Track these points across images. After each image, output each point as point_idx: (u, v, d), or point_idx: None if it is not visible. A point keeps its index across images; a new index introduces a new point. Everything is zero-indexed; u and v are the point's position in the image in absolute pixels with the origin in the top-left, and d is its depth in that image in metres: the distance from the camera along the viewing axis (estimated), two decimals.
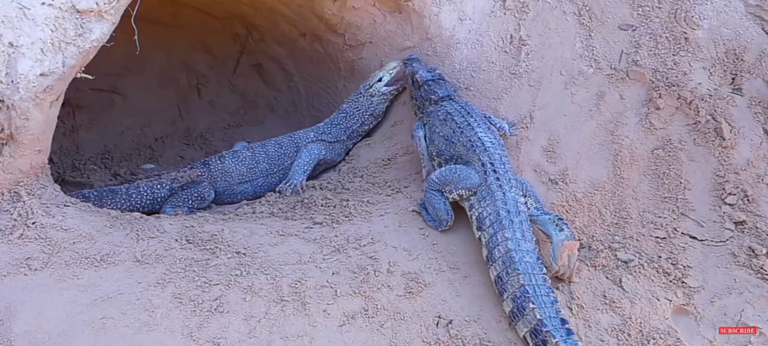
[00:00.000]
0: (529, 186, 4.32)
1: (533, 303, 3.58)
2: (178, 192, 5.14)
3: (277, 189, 5.20)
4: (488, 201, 4.05)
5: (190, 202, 5.11)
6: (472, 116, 4.61)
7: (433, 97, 4.93)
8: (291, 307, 3.68)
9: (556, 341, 3.46)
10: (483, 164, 4.23)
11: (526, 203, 4.13)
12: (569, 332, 3.53)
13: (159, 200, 5.16)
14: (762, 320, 3.90)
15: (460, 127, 4.52)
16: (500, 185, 4.11)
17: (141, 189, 5.15)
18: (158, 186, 5.17)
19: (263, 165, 5.37)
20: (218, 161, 5.33)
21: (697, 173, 4.60)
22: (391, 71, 5.50)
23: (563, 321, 3.57)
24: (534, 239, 3.94)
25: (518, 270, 3.70)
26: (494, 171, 4.18)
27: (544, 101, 5.03)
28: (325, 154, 5.44)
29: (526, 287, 3.64)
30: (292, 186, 5.13)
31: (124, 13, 4.33)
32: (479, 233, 4.03)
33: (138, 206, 5.08)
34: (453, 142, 4.49)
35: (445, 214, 4.24)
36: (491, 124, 4.69)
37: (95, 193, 5.04)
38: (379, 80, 5.50)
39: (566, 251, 3.98)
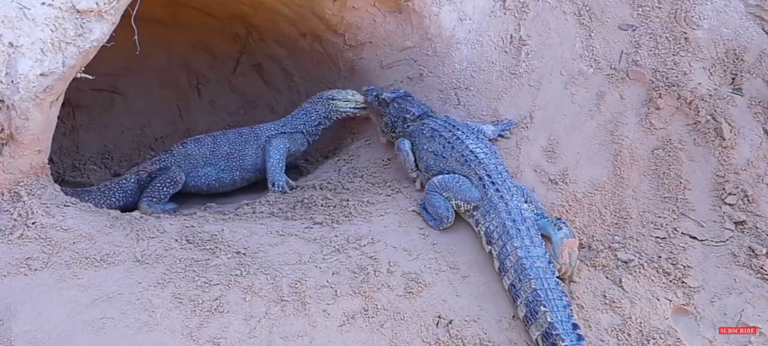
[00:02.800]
0: (527, 191, 4.35)
1: (545, 306, 3.62)
2: (150, 183, 5.33)
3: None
4: (492, 215, 4.08)
5: (164, 189, 5.29)
6: (459, 129, 4.64)
7: (407, 115, 5.00)
8: (291, 307, 3.68)
9: (566, 344, 3.50)
10: (480, 178, 4.27)
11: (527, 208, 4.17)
12: (580, 338, 3.55)
13: (130, 193, 5.34)
14: (762, 320, 3.90)
15: (449, 143, 4.55)
16: (501, 196, 4.13)
17: (110, 186, 5.33)
18: (124, 181, 5.37)
19: (224, 149, 5.57)
20: (181, 147, 5.58)
21: (697, 173, 4.60)
22: (360, 99, 5.64)
23: (575, 326, 3.60)
24: (542, 242, 3.96)
25: (530, 276, 3.74)
26: (492, 183, 4.21)
27: (544, 101, 5.03)
28: (289, 145, 5.60)
29: (538, 292, 3.68)
30: (279, 188, 5.27)
31: (124, 13, 4.33)
32: (489, 247, 4.06)
33: (112, 203, 5.23)
34: (444, 157, 4.52)
35: (446, 211, 4.26)
36: (478, 132, 4.73)
37: (70, 192, 5.06)
38: (346, 101, 5.69)
39: (566, 248, 4.00)
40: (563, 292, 3.74)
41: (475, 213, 4.21)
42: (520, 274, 3.78)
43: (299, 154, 5.82)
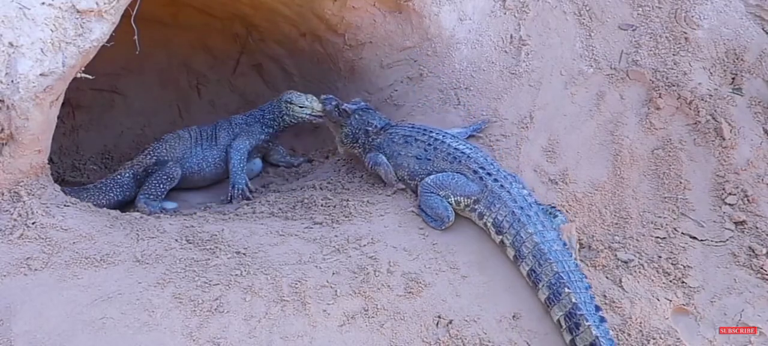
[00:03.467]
0: (520, 179, 4.38)
1: (569, 288, 3.72)
2: (146, 179, 5.37)
3: (228, 197, 5.42)
4: (498, 205, 4.11)
5: (160, 185, 5.33)
6: (433, 132, 4.67)
7: (370, 128, 5.01)
8: (291, 307, 3.68)
9: (589, 325, 3.58)
10: (475, 172, 4.29)
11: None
12: (602, 319, 3.64)
13: (127, 188, 5.40)
14: (762, 320, 3.90)
15: (430, 144, 4.56)
16: (501, 185, 4.17)
17: (106, 183, 5.37)
18: (119, 176, 5.41)
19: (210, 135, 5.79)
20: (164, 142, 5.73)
21: (697, 173, 4.61)
22: (316, 107, 5.66)
23: (597, 308, 3.69)
24: (553, 225, 4.04)
25: (550, 259, 3.83)
26: (489, 174, 4.25)
27: (544, 101, 5.03)
28: (249, 141, 5.72)
29: (561, 274, 3.77)
30: (238, 190, 5.40)
31: (124, 13, 4.33)
32: (500, 237, 4.08)
33: (110, 199, 5.28)
34: (429, 159, 4.52)
35: (445, 210, 4.25)
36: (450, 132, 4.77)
37: (67, 190, 5.07)
38: (302, 106, 5.70)
39: (565, 234, 4.08)
40: (583, 274, 3.83)
41: (477, 206, 4.21)
42: (540, 259, 3.86)
43: (262, 147, 5.87)
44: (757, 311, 3.95)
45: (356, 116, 5.11)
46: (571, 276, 3.77)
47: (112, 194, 5.32)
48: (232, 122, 5.87)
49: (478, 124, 4.98)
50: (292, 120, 5.76)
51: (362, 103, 5.25)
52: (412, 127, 4.83)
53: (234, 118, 5.93)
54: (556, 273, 3.78)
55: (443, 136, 4.60)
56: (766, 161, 4.59)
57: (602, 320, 3.63)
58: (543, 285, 3.83)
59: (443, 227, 4.26)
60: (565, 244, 3.95)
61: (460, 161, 4.39)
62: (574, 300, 3.66)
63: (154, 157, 5.54)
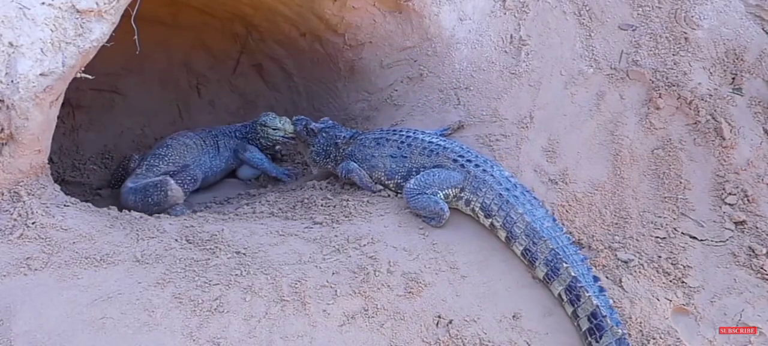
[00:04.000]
0: (497, 163, 4.52)
1: (566, 262, 3.84)
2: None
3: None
4: (484, 189, 4.19)
5: (186, 187, 5.37)
6: (403, 131, 4.74)
7: (339, 140, 5.07)
8: (291, 307, 3.68)
9: (589, 295, 3.72)
10: (455, 161, 4.36)
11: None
12: (602, 290, 3.79)
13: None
14: (762, 320, 3.90)
15: (404, 142, 4.62)
16: (483, 170, 4.27)
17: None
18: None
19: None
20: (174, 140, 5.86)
21: (697, 173, 4.60)
22: (288, 129, 5.87)
23: (596, 278, 3.84)
24: (540, 202, 4.16)
25: (544, 237, 3.94)
26: (469, 161, 4.34)
27: (544, 101, 5.03)
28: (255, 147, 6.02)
29: (557, 250, 3.88)
30: (282, 174, 5.79)
31: (124, 13, 4.34)
32: (490, 220, 4.16)
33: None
34: (405, 156, 4.56)
35: (437, 205, 4.24)
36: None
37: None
38: (275, 129, 5.94)
39: None
40: (577, 247, 3.97)
41: (463, 195, 4.27)
42: (533, 237, 3.96)
43: (232, 164, 6.02)
44: (757, 311, 3.95)
45: (323, 134, 5.19)
46: (566, 251, 3.88)
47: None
48: (231, 133, 6.03)
49: (444, 128, 5.02)
50: (267, 142, 5.99)
51: (329, 122, 5.33)
52: (382, 130, 4.93)
53: (230, 129, 6.08)
54: (551, 250, 3.88)
55: (415, 132, 4.70)
56: (766, 161, 4.59)
57: (601, 290, 3.77)
58: (540, 263, 3.93)
59: (442, 222, 4.26)
60: (554, 219, 4.07)
61: (437, 153, 4.45)
62: (573, 273, 3.79)
63: (174, 165, 5.56)
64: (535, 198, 4.18)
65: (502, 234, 4.10)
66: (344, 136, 5.08)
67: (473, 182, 4.24)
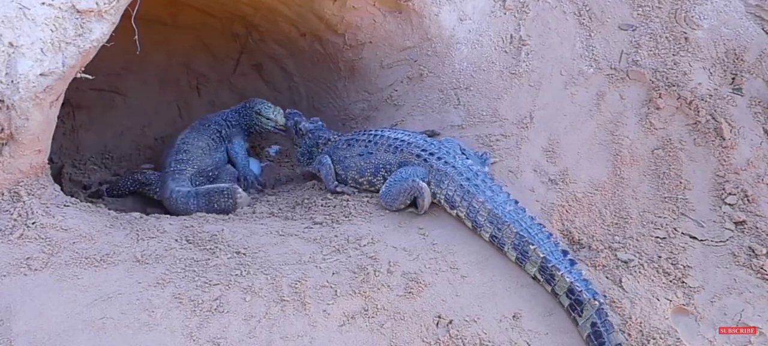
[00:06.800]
0: (461, 143, 4.62)
1: (533, 244, 3.89)
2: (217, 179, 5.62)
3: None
4: (446, 181, 4.29)
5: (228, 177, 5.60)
6: (374, 131, 4.91)
7: (320, 140, 5.25)
8: (291, 307, 3.68)
9: (562, 273, 3.76)
10: (418, 156, 4.48)
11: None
12: (573, 263, 3.85)
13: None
14: (762, 320, 3.90)
15: (371, 140, 4.78)
16: (445, 162, 4.36)
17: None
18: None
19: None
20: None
21: (697, 173, 4.60)
22: (280, 121, 5.99)
23: (565, 252, 3.90)
24: (501, 186, 4.24)
25: (507, 222, 4.00)
26: (431, 154, 4.44)
27: (544, 101, 5.03)
28: (243, 140, 6.15)
29: (521, 233, 3.94)
30: (251, 179, 5.77)
31: (124, 13, 4.34)
32: (455, 211, 4.26)
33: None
34: (371, 152, 4.71)
35: (410, 183, 4.32)
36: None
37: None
38: (268, 119, 6.05)
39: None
40: (541, 225, 4.04)
41: (429, 188, 4.34)
42: (497, 224, 4.03)
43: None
44: (757, 311, 3.95)
45: (309, 136, 5.37)
46: (530, 232, 3.94)
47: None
48: (225, 120, 6.12)
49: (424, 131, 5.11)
50: (259, 128, 6.12)
51: (319, 123, 5.49)
52: (356, 132, 5.07)
53: (224, 116, 6.16)
54: (516, 234, 3.94)
55: (383, 131, 4.84)
56: (766, 161, 4.59)
57: (572, 263, 3.84)
58: (508, 248, 4.00)
59: (424, 193, 4.28)
60: (516, 202, 4.14)
61: (401, 150, 4.58)
62: (541, 254, 3.84)
63: (196, 166, 5.66)
64: (496, 185, 4.26)
65: (468, 223, 4.19)
66: (326, 138, 5.26)
67: (436, 175, 4.34)
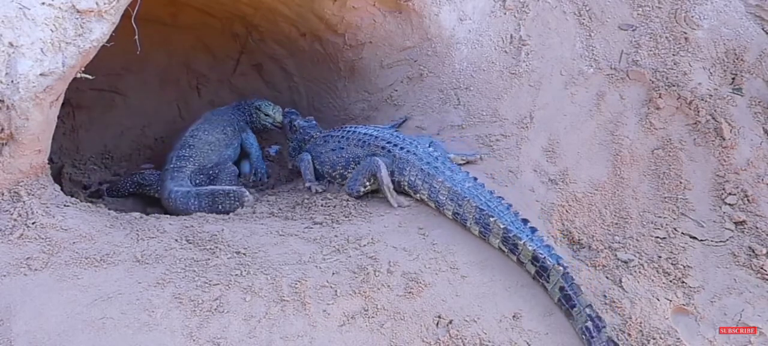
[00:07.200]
0: (432, 140, 4.77)
1: (493, 216, 4.00)
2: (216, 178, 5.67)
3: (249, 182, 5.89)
4: (408, 168, 4.49)
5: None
6: (349, 127, 5.10)
7: (307, 137, 5.45)
8: (291, 307, 3.68)
9: (524, 242, 3.87)
10: (383, 148, 4.66)
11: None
12: (533, 230, 3.96)
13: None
14: (762, 320, 3.90)
15: (343, 136, 5.00)
16: (407, 151, 4.54)
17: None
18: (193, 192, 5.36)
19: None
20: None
21: (697, 173, 4.61)
22: (278, 118, 6.27)
23: (525, 221, 4.02)
24: (460, 168, 4.41)
25: (466, 197, 4.14)
26: (395, 145, 4.62)
27: (544, 101, 5.03)
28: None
29: (480, 207, 4.07)
30: (262, 173, 6.04)
31: (124, 13, 4.34)
32: (418, 195, 4.46)
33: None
34: (343, 147, 4.94)
35: (365, 164, 4.57)
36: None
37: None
38: (267, 115, 6.32)
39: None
40: (500, 198, 4.15)
41: (393, 177, 4.54)
42: (458, 200, 4.17)
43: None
44: (757, 311, 3.95)
45: (300, 133, 5.57)
46: (489, 205, 4.06)
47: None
48: (234, 117, 6.24)
49: (396, 122, 5.35)
50: (258, 125, 6.33)
51: (313, 122, 5.67)
52: (333, 129, 5.26)
53: (230, 111, 6.28)
54: (476, 208, 4.07)
55: (356, 127, 5.04)
56: (766, 161, 4.59)
57: (533, 230, 3.94)
58: (471, 222, 4.11)
59: (380, 167, 4.46)
60: (475, 179, 4.29)
61: (369, 144, 4.77)
62: (501, 226, 3.94)
63: (197, 163, 5.70)
64: (455, 166, 4.45)
65: (432, 205, 4.34)
66: (310, 136, 5.45)
67: (399, 163, 4.53)
